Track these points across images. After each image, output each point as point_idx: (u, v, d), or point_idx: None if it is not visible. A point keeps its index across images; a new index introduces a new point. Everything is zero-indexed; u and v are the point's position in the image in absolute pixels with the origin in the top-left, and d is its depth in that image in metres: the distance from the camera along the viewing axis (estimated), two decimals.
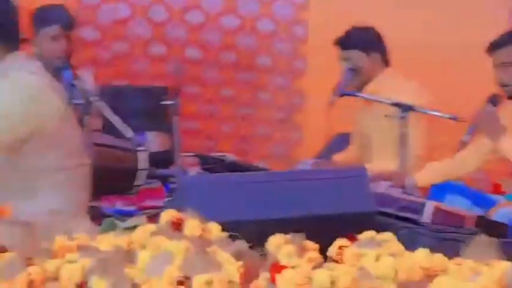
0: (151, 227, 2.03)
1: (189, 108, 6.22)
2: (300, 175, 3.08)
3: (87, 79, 4.23)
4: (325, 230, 2.18)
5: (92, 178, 3.47)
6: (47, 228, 2.70)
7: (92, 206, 3.51)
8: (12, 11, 3.00)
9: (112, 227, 2.21)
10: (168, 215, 2.10)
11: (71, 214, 2.71)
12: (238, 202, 2.77)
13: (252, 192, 2.82)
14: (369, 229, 2.15)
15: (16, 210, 2.70)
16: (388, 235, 2.10)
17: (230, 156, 5.42)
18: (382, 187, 3.36)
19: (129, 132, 3.45)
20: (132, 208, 3.84)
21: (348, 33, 4.35)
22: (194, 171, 4.09)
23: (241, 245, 2.00)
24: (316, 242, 2.09)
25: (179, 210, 2.26)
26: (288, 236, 2.07)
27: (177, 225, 2.06)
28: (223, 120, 6.30)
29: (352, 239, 2.08)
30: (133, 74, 6.09)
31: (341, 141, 4.86)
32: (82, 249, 1.94)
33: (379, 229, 2.16)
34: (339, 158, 4.58)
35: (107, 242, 1.99)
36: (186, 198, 2.71)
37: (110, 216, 3.47)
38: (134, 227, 2.07)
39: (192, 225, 2.04)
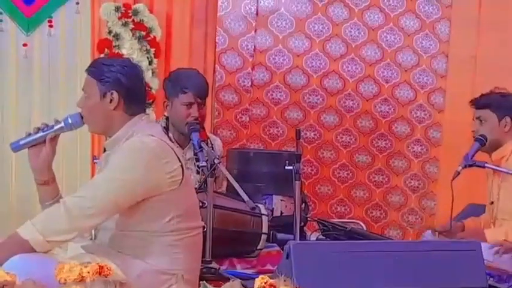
0: None
1: (324, 173, 6.26)
2: (413, 247, 3.05)
3: (216, 143, 4.32)
4: None
5: (215, 240, 3.54)
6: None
7: (212, 268, 3.57)
8: (140, 75, 3.14)
9: None
10: (261, 281, 2.12)
11: (176, 276, 2.75)
12: (344, 272, 2.76)
13: (360, 262, 2.81)
14: None
15: (126, 266, 2.80)
16: None
17: (357, 224, 5.44)
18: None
19: (245, 196, 3.49)
20: (252, 271, 3.86)
21: (486, 94, 4.33)
22: (314, 236, 4.11)
23: None
24: None
25: (288, 276, 2.27)
26: None
27: None
28: (357, 186, 6.29)
29: None
30: (269, 137, 6.19)
31: (473, 211, 4.74)
32: None
33: None
34: (469, 223, 4.46)
35: None
36: (291, 264, 2.74)
37: (229, 278, 3.53)
38: None
39: None
